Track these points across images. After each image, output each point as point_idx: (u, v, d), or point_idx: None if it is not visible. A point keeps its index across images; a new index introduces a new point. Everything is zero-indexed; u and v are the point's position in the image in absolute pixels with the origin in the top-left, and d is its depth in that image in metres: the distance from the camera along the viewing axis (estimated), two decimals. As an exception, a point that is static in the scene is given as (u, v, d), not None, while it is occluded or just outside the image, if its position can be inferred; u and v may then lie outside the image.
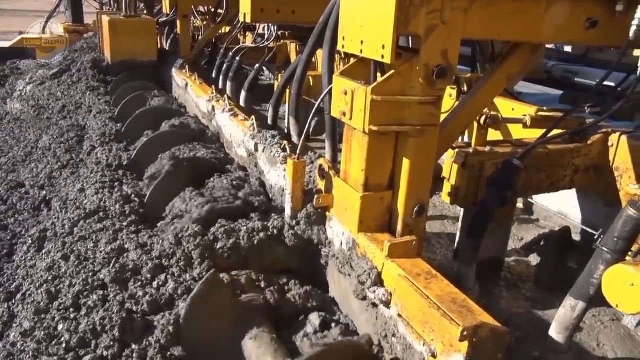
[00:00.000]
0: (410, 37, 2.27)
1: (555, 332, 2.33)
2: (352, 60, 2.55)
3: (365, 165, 2.37)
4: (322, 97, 2.78)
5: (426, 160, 2.39)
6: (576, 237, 3.50)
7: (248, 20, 4.65)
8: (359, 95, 2.25)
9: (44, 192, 4.66)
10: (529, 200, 4.21)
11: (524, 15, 2.43)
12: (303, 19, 4.79)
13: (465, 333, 1.76)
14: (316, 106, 2.78)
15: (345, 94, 2.34)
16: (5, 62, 11.77)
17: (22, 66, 11.41)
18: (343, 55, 4.55)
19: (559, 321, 2.30)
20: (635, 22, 2.45)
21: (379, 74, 2.38)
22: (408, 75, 2.22)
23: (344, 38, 2.44)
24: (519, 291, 3.23)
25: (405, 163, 2.36)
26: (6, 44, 13.15)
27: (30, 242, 3.73)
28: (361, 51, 2.31)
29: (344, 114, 2.38)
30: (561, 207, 3.93)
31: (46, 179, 4.85)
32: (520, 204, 4.24)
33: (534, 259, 3.52)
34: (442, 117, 2.84)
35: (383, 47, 2.14)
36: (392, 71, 2.21)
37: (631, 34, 2.46)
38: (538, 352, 2.64)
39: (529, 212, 4.27)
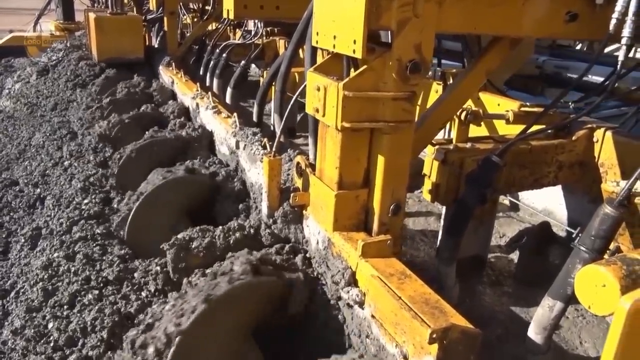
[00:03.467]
0: (390, 32, 2.21)
1: (534, 333, 2.28)
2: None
3: (339, 163, 2.32)
4: (297, 93, 2.73)
5: (402, 158, 2.33)
6: (563, 233, 3.45)
7: (231, 16, 4.59)
8: (331, 91, 2.19)
9: (38, 190, 4.63)
10: (511, 199, 4.16)
11: (501, 8, 2.38)
12: (287, 15, 4.73)
13: (434, 335, 1.71)
14: (292, 102, 2.73)
15: (318, 90, 2.28)
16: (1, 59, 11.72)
17: (17, 64, 11.35)
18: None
19: (537, 321, 2.26)
20: (615, 16, 2.39)
21: (352, 70, 2.32)
22: (381, 70, 2.16)
23: (317, 33, 2.38)
24: (501, 288, 3.19)
25: (380, 160, 2.30)
26: (-3, 42, 13.08)
27: (23, 240, 3.72)
28: (334, 46, 2.25)
29: (317, 111, 2.32)
30: (546, 204, 3.88)
31: (40, 176, 4.81)
32: (506, 201, 4.19)
33: (515, 256, 3.48)
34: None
35: (354, 41, 2.08)
36: (365, 66, 2.15)
37: (611, 27, 2.41)
38: (519, 351, 2.60)
39: (515, 209, 4.22)
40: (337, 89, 2.13)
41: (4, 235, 4.11)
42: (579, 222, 3.22)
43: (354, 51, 2.10)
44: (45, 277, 2.87)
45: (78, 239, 3.18)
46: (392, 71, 2.13)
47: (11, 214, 4.43)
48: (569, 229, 3.29)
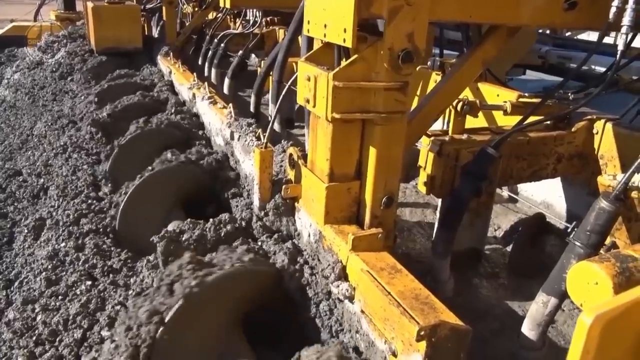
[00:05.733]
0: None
1: (528, 329, 2.23)
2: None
3: (330, 155, 2.26)
4: (289, 82, 2.68)
5: (394, 149, 2.28)
6: (562, 225, 3.40)
7: (227, 5, 4.53)
8: (321, 81, 2.14)
9: (42, 180, 4.60)
10: (510, 194, 4.10)
11: (497, -5, 2.32)
12: (284, 4, 4.68)
13: (422, 332, 1.67)
14: (283, 92, 2.68)
15: (309, 80, 2.23)
16: (2, 49, 11.67)
17: (20, 54, 11.30)
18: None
19: (531, 317, 2.21)
20: (615, 3, 2.33)
21: (344, 60, 2.27)
22: (372, 59, 2.10)
23: (308, 22, 2.33)
24: (497, 280, 3.14)
25: (372, 152, 2.25)
26: (-2, 32, 13.05)
27: (26, 231, 3.70)
28: (324, 35, 2.20)
29: (308, 101, 2.27)
30: (545, 196, 3.82)
31: (43, 166, 4.79)
32: (505, 193, 4.13)
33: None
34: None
35: (344, 30, 2.03)
36: (355, 56, 2.09)
37: (611, 15, 2.34)
38: (514, 346, 2.56)
39: (513, 201, 4.17)
40: (327, 79, 2.08)
41: (8, 226, 4.11)
42: (579, 216, 3.17)
43: (344, 40, 2.05)
44: (50, 267, 2.85)
45: (88, 231, 3.15)
46: (384, 61, 2.08)
47: (15, 204, 4.42)
48: (566, 224, 3.24)
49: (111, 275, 2.75)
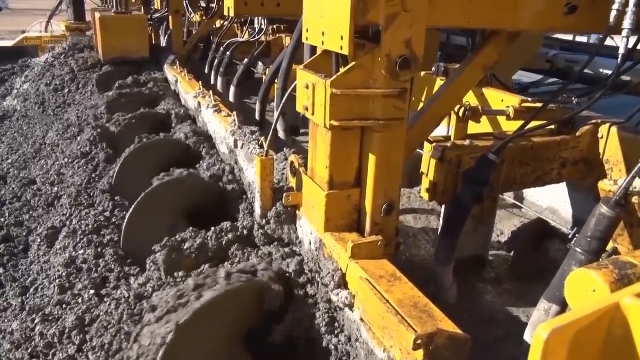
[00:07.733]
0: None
1: (530, 336, 2.20)
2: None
3: (329, 162, 2.26)
4: (289, 89, 2.68)
5: (394, 156, 2.27)
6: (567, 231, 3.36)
7: (232, 14, 4.56)
8: (319, 89, 2.14)
9: (56, 188, 4.66)
10: (515, 201, 4.07)
11: (496, 0, 2.30)
12: (288, 12, 4.69)
13: (419, 341, 1.66)
14: (284, 99, 2.68)
15: (307, 87, 2.23)
16: (15, 61, 11.81)
17: (33, 64, 11.43)
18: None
19: (533, 324, 2.18)
20: (615, 7, 2.30)
21: (342, 67, 2.27)
22: (370, 67, 2.10)
23: (307, 30, 2.33)
24: (501, 286, 3.11)
25: (372, 159, 2.24)
26: (9, 43, 13.24)
27: (39, 240, 3.76)
28: (323, 43, 2.20)
29: (307, 109, 2.27)
30: (551, 202, 3.79)
31: (56, 175, 4.85)
32: (510, 199, 4.10)
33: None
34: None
35: (342, 38, 2.03)
36: (353, 63, 2.09)
37: (611, 19, 2.32)
38: (517, 352, 2.53)
39: (519, 206, 4.13)
40: (325, 87, 2.08)
41: (24, 234, 4.16)
42: (585, 221, 3.14)
43: (341, 48, 2.05)
44: (64, 274, 2.87)
45: (108, 241, 3.18)
46: (382, 68, 2.07)
47: (31, 212, 4.47)
48: (570, 230, 3.21)
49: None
